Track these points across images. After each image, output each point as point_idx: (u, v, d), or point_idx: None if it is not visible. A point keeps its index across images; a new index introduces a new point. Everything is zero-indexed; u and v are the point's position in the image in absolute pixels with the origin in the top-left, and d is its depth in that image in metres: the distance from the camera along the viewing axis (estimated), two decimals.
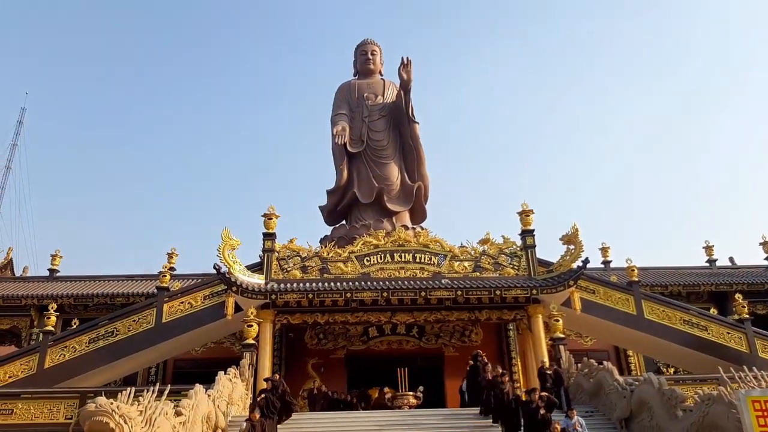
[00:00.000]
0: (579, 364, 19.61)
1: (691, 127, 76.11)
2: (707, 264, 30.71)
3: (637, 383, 15.99)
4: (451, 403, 22.84)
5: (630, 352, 26.59)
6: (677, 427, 13.65)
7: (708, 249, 31.03)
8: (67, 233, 70.82)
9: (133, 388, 10.32)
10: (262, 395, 15.43)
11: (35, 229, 73.49)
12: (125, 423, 9.11)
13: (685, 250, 70.28)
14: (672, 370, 25.14)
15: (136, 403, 9.95)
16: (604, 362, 18.46)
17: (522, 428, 14.33)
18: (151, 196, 75.80)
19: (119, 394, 9.91)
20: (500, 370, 17.13)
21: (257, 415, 12.81)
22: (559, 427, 12.33)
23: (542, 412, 13.58)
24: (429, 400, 21.59)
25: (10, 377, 19.90)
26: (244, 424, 12.44)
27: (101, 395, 9.96)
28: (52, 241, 71.43)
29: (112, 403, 9.06)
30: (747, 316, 22.55)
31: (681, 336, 21.98)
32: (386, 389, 22.93)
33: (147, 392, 10.71)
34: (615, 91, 78.92)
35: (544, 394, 14.53)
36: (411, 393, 21.53)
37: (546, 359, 19.66)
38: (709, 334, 22.00)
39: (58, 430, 17.04)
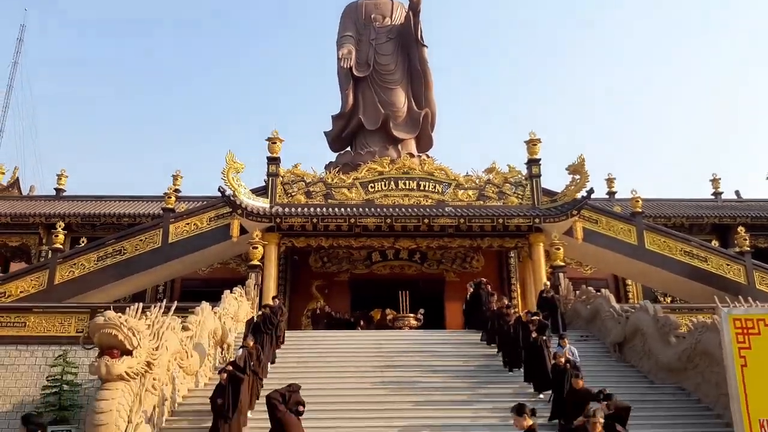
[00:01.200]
0: (577, 292, 19.99)
1: (697, 54, 73.89)
2: (712, 197, 30.61)
3: (632, 310, 16.36)
4: (451, 326, 23.48)
5: (629, 282, 27.00)
6: (669, 353, 14.06)
7: (714, 182, 30.85)
8: (71, 154, 70.81)
9: (141, 304, 10.58)
10: (259, 317, 15.37)
11: (40, 149, 73.36)
12: (133, 336, 9.40)
13: (692, 183, 70.02)
14: (669, 300, 25.59)
15: (143, 317, 10.24)
16: (602, 290, 18.81)
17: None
18: (155, 119, 75.15)
19: (127, 308, 10.18)
20: (506, 302, 17.35)
21: (251, 342, 12.55)
22: (563, 360, 12.11)
23: (534, 335, 13.82)
24: (429, 323, 22.18)
25: (21, 292, 20.46)
26: (240, 351, 12.20)
27: (110, 310, 10.22)
28: (57, 162, 71.47)
29: (120, 317, 9.33)
30: (748, 248, 22.71)
31: (680, 266, 22.23)
32: (388, 311, 23.56)
33: (154, 307, 11.00)
34: (624, 17, 76.17)
35: (535, 318, 14.85)
36: (412, 315, 22.12)
37: (547, 284, 19.96)
38: (708, 265, 22.23)
39: (70, 341, 17.71)
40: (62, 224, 21.98)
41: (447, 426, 11.84)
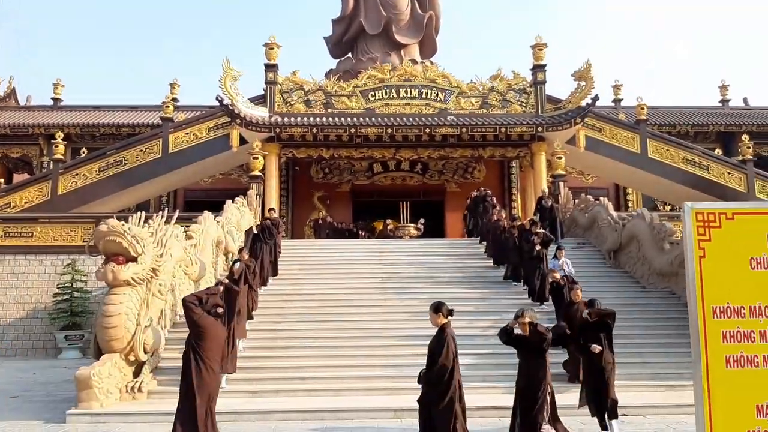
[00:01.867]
0: (576, 200, 20.11)
1: None
2: (719, 104, 30.05)
3: (629, 218, 16.53)
4: (451, 236, 23.85)
5: (629, 190, 27.09)
6: (662, 259, 14.34)
7: (722, 88, 30.16)
8: (67, 63, 69.08)
9: (144, 213, 10.71)
10: (258, 228, 15.13)
11: (36, 59, 71.47)
12: (137, 243, 9.60)
13: (701, 90, 68.41)
14: (668, 208, 25.77)
15: (147, 226, 10.41)
16: (601, 198, 18.91)
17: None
18: (151, 26, 72.60)
19: (130, 217, 10.32)
20: (503, 214, 17.10)
21: (246, 255, 12.22)
22: (558, 275, 11.88)
23: (537, 248, 13.70)
24: (430, 233, 22.50)
25: (26, 203, 20.67)
26: (237, 264, 11.73)
27: (113, 219, 10.37)
28: (53, 71, 69.73)
29: (123, 225, 9.48)
30: (750, 157, 22.58)
31: (682, 175, 22.20)
32: (389, 221, 23.85)
33: (157, 216, 11.14)
34: None
35: (540, 231, 14.61)
36: (412, 225, 22.39)
37: (545, 191, 20.03)
38: (710, 173, 22.21)
39: (77, 250, 18.11)
40: (61, 134, 21.86)
41: None
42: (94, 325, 10.15)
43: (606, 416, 7.58)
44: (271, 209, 17.71)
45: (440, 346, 6.13)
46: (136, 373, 9.88)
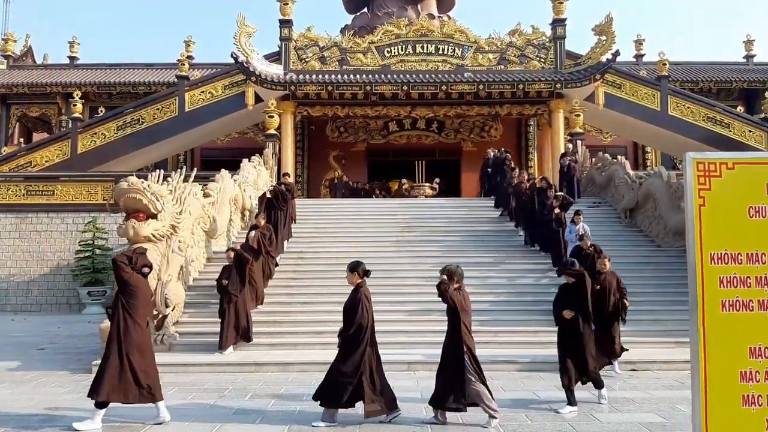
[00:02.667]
0: (593, 159, 19.94)
1: None
2: (744, 60, 29.20)
3: (646, 177, 16.38)
4: (466, 195, 23.86)
5: (648, 149, 26.73)
6: (678, 217, 14.24)
7: (747, 44, 29.23)
8: (81, 20, 68.75)
9: (162, 171, 10.85)
10: (271, 193, 14.51)
11: (51, 17, 71.22)
12: (157, 200, 9.77)
13: (726, 45, 66.38)
14: None
15: (165, 183, 10.57)
16: (618, 157, 18.72)
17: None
18: None
19: (149, 175, 10.48)
20: (525, 176, 16.38)
21: (262, 220, 12.17)
22: (589, 243, 10.96)
23: (557, 211, 13.28)
24: (445, 192, 22.52)
25: (46, 161, 20.99)
26: (252, 232, 11.65)
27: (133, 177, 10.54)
28: (67, 29, 69.53)
29: (142, 182, 9.63)
30: None
31: (702, 133, 21.82)
32: (404, 180, 23.89)
33: (176, 173, 11.30)
34: None
35: (560, 194, 14.37)
36: (428, 184, 22.43)
37: (569, 147, 19.86)
38: (731, 131, 21.79)
39: (98, 209, 18.49)
40: (79, 93, 21.99)
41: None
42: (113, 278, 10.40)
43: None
44: (285, 174, 17.42)
45: (355, 306, 6.27)
46: (158, 327, 10.20)
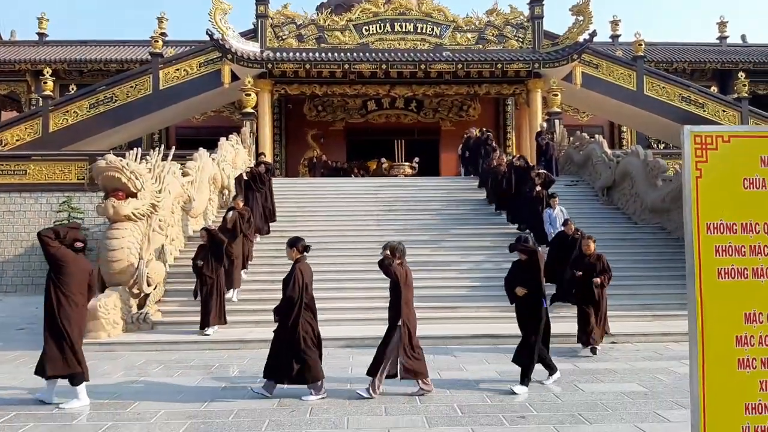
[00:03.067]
0: (571, 138, 20.16)
1: None
2: (717, 41, 29.65)
3: (623, 155, 16.65)
4: (445, 174, 23.98)
5: (624, 128, 27.09)
6: (655, 195, 14.57)
7: (721, 25, 29.65)
8: None
9: (140, 149, 10.72)
10: (248, 174, 13.95)
11: None
12: (136, 178, 9.66)
13: (701, 26, 67.16)
14: (662, 146, 25.88)
15: (144, 162, 10.44)
16: (596, 135, 18.97)
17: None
18: None
19: (127, 153, 10.33)
20: (504, 158, 16.51)
21: (240, 202, 11.85)
22: (573, 227, 10.70)
23: (538, 188, 13.34)
24: (424, 171, 22.59)
25: (17, 140, 20.46)
26: (230, 213, 11.37)
27: (110, 155, 10.38)
28: (35, 4, 67.32)
29: (121, 160, 9.51)
30: (746, 95, 22.51)
31: (677, 113, 22.16)
32: (383, 160, 23.88)
33: (154, 152, 11.15)
34: None
35: (542, 171, 14.37)
36: (407, 163, 22.45)
37: (544, 125, 20.04)
38: (705, 111, 22.18)
39: (72, 188, 18.14)
40: (49, 70, 21.40)
41: (441, 262, 12.59)
42: (97, 260, 10.30)
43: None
44: (261, 153, 16.98)
45: (288, 279, 6.43)
46: (140, 306, 10.14)
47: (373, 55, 20.95)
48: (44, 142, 20.20)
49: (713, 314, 2.33)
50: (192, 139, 23.62)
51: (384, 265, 6.56)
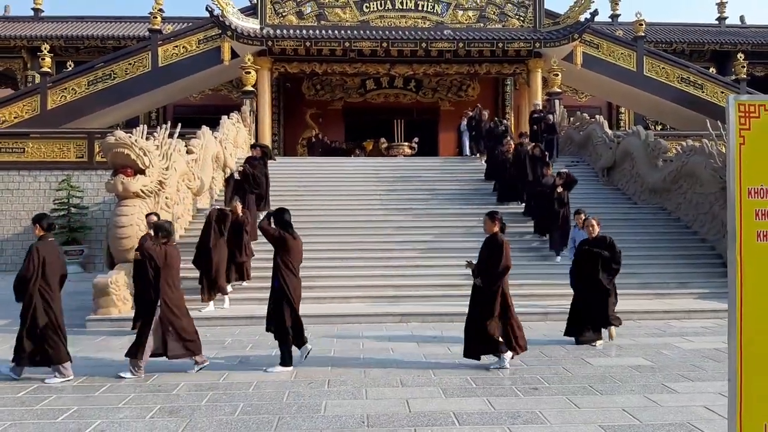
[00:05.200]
0: (571, 119, 20.20)
1: None
2: (716, 22, 29.63)
3: (624, 136, 16.73)
4: (444, 154, 24.01)
5: (622, 109, 27.15)
6: (656, 176, 14.68)
7: (720, 6, 29.61)
8: None
9: (146, 126, 10.69)
10: (240, 174, 12.52)
11: None
12: (144, 155, 9.65)
13: (699, 6, 66.96)
14: (659, 127, 25.99)
15: (152, 138, 10.42)
16: (596, 116, 19.02)
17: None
18: None
19: (134, 130, 10.30)
20: (512, 144, 15.25)
21: (239, 206, 10.43)
22: (596, 225, 8.94)
23: (559, 190, 12.22)
24: (423, 151, 22.61)
25: (15, 117, 20.29)
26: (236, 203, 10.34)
27: (119, 131, 10.36)
28: None
29: (130, 137, 9.49)
30: (744, 76, 22.59)
31: (676, 93, 22.23)
32: (382, 140, 23.87)
33: (161, 129, 11.12)
34: None
35: (564, 171, 13.10)
36: (406, 143, 22.45)
37: (538, 104, 20.02)
38: (703, 92, 22.24)
39: (71, 167, 18.06)
40: (47, 47, 21.17)
41: (441, 247, 12.69)
42: (106, 237, 10.33)
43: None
44: (254, 146, 14.90)
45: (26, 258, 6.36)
46: None
47: (374, 33, 20.83)
48: (42, 120, 20.06)
49: (752, 274, 2.44)
50: (190, 118, 23.34)
51: (142, 248, 6.60)
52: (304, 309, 9.67)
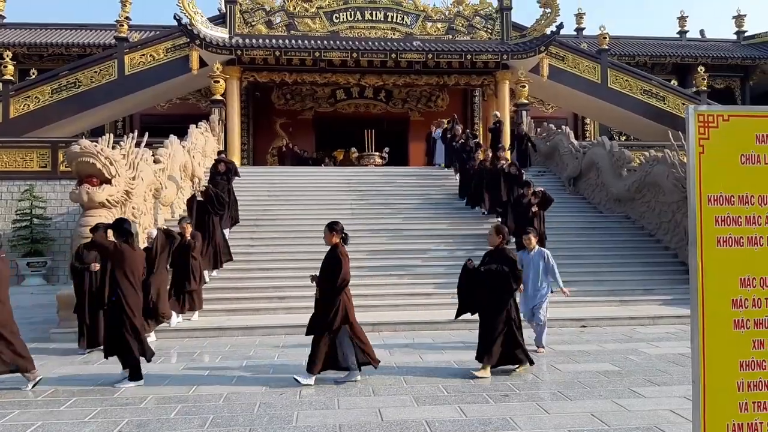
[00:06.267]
0: (538, 129, 20.56)
1: None
2: (677, 36, 30.57)
3: (590, 146, 17.09)
4: (414, 164, 24.17)
5: (587, 121, 27.72)
6: (620, 185, 15.02)
7: (681, 20, 30.57)
8: None
9: (112, 135, 10.50)
10: (204, 195, 11.67)
11: None
12: (110, 165, 9.47)
13: (664, 20, 68.91)
14: (624, 138, 26.60)
15: (118, 148, 10.24)
16: (562, 127, 19.39)
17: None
18: None
19: (100, 139, 10.11)
20: (482, 155, 15.44)
21: (189, 227, 9.88)
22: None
23: (534, 209, 11.85)
24: (394, 161, 22.73)
25: None
26: (154, 231, 9.62)
27: (84, 140, 10.16)
28: None
29: (96, 146, 9.31)
30: (705, 88, 23.30)
31: (640, 105, 22.82)
32: (353, 149, 23.92)
33: (127, 138, 10.94)
34: None
35: (540, 189, 12.68)
36: (377, 153, 22.54)
37: (497, 114, 20.39)
38: (665, 104, 22.88)
39: (34, 177, 17.64)
40: (9, 54, 20.65)
41: (413, 255, 12.74)
42: (71, 248, 10.09)
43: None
44: (218, 160, 14.27)
45: None
46: None
47: (344, 43, 20.91)
48: (5, 129, 19.53)
49: (712, 279, 2.53)
50: (157, 127, 23.02)
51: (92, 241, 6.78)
52: (275, 319, 9.65)
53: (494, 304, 6.77)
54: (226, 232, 12.25)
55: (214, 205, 11.47)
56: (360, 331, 6.55)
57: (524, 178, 13.78)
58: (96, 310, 7.88)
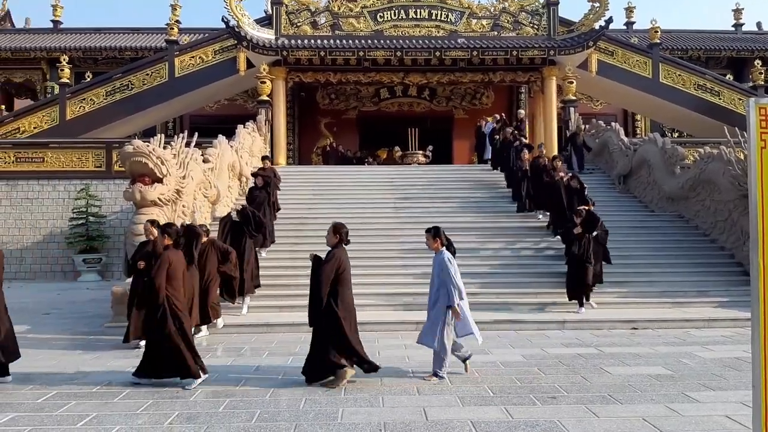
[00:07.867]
0: (587, 126, 20.10)
1: None
2: (732, 29, 29.39)
3: (640, 143, 16.60)
4: (458, 162, 24.01)
5: (638, 117, 26.96)
6: (673, 183, 14.54)
7: (736, 12, 29.37)
8: None
9: (163, 135, 10.80)
10: (239, 215, 10.75)
11: None
12: (162, 164, 9.76)
13: (715, 14, 66.50)
14: (676, 135, 25.76)
15: (169, 148, 10.52)
16: (612, 123, 18.88)
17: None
18: None
19: (151, 139, 10.41)
20: (526, 155, 14.99)
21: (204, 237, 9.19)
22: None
23: (577, 231, 10.76)
24: (437, 159, 22.60)
25: (35, 128, 20.62)
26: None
27: (136, 140, 10.49)
28: None
29: (148, 146, 9.60)
30: (762, 82, 22.35)
31: (693, 101, 22.05)
32: (396, 148, 23.91)
33: (178, 138, 11.24)
34: None
35: (582, 208, 11.46)
36: (420, 152, 22.47)
37: (582, 127, 19.18)
38: (720, 99, 22.04)
39: (89, 176, 18.33)
40: (66, 58, 21.50)
41: (460, 249, 12.61)
42: (124, 245, 10.43)
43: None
44: (265, 157, 14.40)
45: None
46: None
47: (388, 42, 20.92)
48: (61, 130, 20.37)
49: None
50: (206, 127, 23.60)
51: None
52: None
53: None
54: (263, 252, 11.58)
55: (250, 226, 10.50)
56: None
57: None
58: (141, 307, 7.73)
